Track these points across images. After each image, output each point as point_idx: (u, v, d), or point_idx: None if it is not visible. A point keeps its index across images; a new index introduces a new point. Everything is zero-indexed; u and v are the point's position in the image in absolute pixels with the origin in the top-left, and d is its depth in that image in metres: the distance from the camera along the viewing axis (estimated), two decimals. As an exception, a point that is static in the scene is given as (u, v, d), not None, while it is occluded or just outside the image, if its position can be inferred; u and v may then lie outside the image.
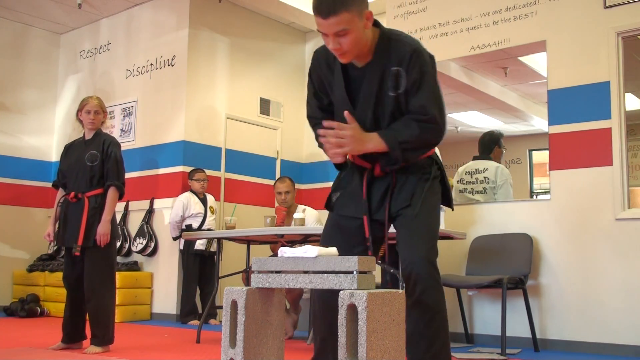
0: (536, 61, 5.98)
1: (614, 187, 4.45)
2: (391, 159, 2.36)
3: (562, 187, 4.69)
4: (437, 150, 2.63)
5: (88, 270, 4.13)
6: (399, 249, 2.38)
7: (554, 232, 4.66)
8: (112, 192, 4.26)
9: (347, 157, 2.48)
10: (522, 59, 6.03)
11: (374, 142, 2.33)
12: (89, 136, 4.38)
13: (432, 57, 2.38)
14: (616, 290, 4.36)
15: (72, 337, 4.22)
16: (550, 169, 4.77)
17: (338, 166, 2.53)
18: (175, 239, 6.60)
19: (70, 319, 4.21)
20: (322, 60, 2.49)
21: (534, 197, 5.94)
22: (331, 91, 2.48)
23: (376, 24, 2.37)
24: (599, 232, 4.48)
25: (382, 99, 2.36)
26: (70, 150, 4.45)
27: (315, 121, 2.57)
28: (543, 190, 5.68)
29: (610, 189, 4.47)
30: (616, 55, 4.58)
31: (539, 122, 5.13)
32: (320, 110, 2.57)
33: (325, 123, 2.35)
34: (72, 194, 4.24)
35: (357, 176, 2.49)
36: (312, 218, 5.46)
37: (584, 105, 4.66)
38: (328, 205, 2.56)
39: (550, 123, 4.80)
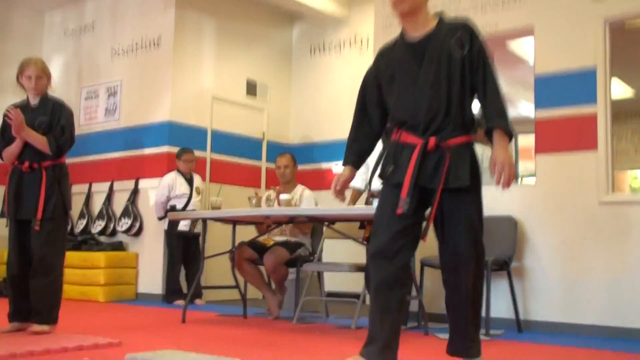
0: (524, 46, 6.00)
1: (598, 172, 4.50)
2: (447, 112, 2.58)
3: (547, 170, 4.73)
4: None
5: (39, 243, 3.88)
6: (446, 227, 2.58)
7: (538, 215, 4.71)
8: (44, 140, 3.96)
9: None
10: (509, 44, 6.04)
11: (501, 149, 2.56)
12: (34, 101, 4.09)
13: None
14: (599, 272, 4.41)
15: (24, 314, 3.94)
16: (535, 153, 4.81)
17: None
18: (160, 219, 6.59)
19: (22, 295, 3.91)
20: (379, 60, 2.80)
21: (520, 180, 5.98)
22: (393, 78, 2.69)
23: (440, 14, 2.70)
24: (583, 215, 4.53)
25: (451, 61, 2.58)
26: None
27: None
28: (528, 174, 5.72)
29: (594, 173, 4.51)
30: (603, 41, 4.60)
31: (525, 107, 5.15)
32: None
33: None
34: (27, 163, 3.97)
35: (407, 151, 2.61)
36: (310, 199, 5.46)
37: (570, 90, 4.69)
38: (383, 176, 2.71)
39: (537, 107, 4.83)
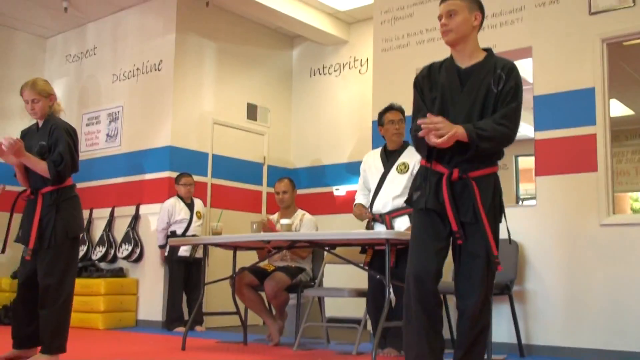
0: (522, 67, 6.00)
1: (598, 193, 4.46)
2: (469, 147, 2.71)
3: (547, 192, 4.70)
4: None
5: (41, 273, 3.76)
6: (463, 255, 2.80)
7: (539, 237, 4.67)
8: (45, 165, 3.78)
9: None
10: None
11: (459, 128, 2.68)
12: (40, 124, 4.00)
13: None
14: (601, 295, 4.36)
15: (24, 342, 3.85)
16: (536, 175, 4.78)
17: (425, 153, 2.89)
18: (161, 247, 6.55)
19: (22, 322, 3.84)
20: (424, 73, 3.00)
21: (520, 202, 5.94)
22: (436, 92, 2.91)
23: (489, 50, 2.96)
24: (584, 237, 4.49)
25: (488, 94, 2.81)
26: (26, 138, 3.99)
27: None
28: (529, 196, 5.69)
29: (595, 195, 4.48)
30: (601, 61, 4.59)
31: (525, 128, 5.14)
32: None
33: (419, 121, 2.74)
34: (29, 189, 3.87)
35: (434, 179, 2.83)
36: (310, 224, 5.43)
37: (569, 111, 4.67)
38: (410, 202, 2.94)
39: (536, 129, 4.81)
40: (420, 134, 2.71)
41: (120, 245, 7.03)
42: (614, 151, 4.68)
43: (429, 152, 2.83)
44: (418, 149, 2.93)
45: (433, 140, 2.68)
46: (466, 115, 2.78)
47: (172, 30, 7.15)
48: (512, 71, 2.82)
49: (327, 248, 4.79)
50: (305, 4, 7.50)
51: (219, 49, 7.60)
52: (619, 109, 6.95)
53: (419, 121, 2.73)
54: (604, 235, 4.41)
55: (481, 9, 2.95)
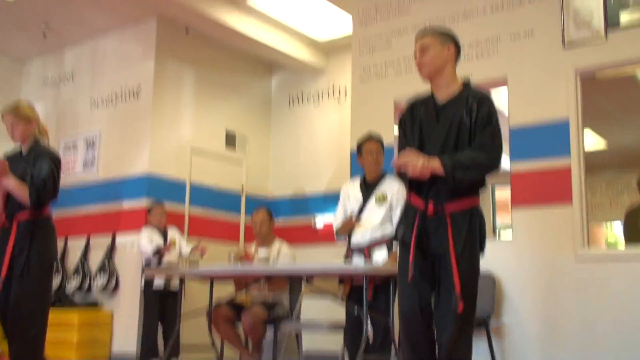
0: (498, 98, 6.05)
1: (573, 225, 4.48)
2: (446, 180, 2.77)
3: (523, 225, 4.71)
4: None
5: (12, 306, 3.66)
6: (442, 288, 2.83)
7: (516, 271, 4.67)
8: (25, 190, 3.72)
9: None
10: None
11: (434, 160, 2.76)
12: (25, 150, 3.93)
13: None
14: (577, 328, 4.37)
15: None
16: (512, 207, 4.79)
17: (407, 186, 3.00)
18: (154, 254, 6.28)
19: None
20: (407, 110, 3.11)
21: (497, 234, 5.96)
22: (415, 128, 3.01)
23: (466, 81, 3.05)
24: (560, 270, 4.50)
25: (461, 126, 2.87)
26: (9, 162, 3.88)
27: None
28: (506, 227, 5.70)
29: (570, 227, 4.49)
30: (575, 93, 4.64)
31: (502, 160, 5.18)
32: None
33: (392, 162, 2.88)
34: (3, 216, 3.78)
35: (412, 214, 2.92)
36: (288, 256, 5.38)
37: (544, 142, 4.71)
38: (396, 237, 3.06)
39: (512, 159, 4.83)
40: (395, 166, 2.82)
41: (96, 276, 6.91)
42: (588, 183, 4.71)
43: (409, 185, 2.94)
44: (403, 183, 3.05)
45: (410, 173, 2.77)
46: (441, 148, 2.84)
47: (152, 57, 7.12)
48: (484, 100, 2.89)
49: (304, 280, 4.74)
50: (285, 33, 7.52)
51: (198, 76, 7.58)
52: (593, 141, 7.01)
53: (392, 162, 2.85)
54: (579, 268, 4.42)
55: (455, 41, 3.04)
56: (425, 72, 3.02)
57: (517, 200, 4.77)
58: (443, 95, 3.00)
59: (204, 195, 7.40)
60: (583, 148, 4.60)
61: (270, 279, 4.96)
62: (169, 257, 6.36)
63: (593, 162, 6.39)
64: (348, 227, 4.57)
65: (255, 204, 7.10)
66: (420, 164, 2.75)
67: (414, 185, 2.90)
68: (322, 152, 7.80)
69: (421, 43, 3.02)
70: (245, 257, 5.16)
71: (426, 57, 2.99)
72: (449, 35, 3.07)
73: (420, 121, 2.99)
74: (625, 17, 4.51)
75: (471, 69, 5.09)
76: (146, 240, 6.24)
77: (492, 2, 5.12)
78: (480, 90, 3.00)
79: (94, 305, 6.86)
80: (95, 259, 7.03)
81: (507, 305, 4.65)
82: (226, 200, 7.68)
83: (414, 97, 3.15)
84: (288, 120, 8.27)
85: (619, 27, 4.52)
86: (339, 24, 7.16)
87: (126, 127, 7.21)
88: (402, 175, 2.91)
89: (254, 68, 8.26)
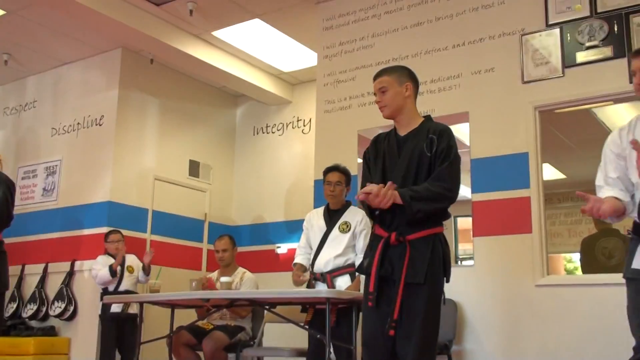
0: (460, 131, 6.20)
1: (533, 254, 4.59)
2: (406, 212, 2.82)
3: (484, 253, 4.81)
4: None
5: None
6: (404, 318, 2.85)
7: (477, 297, 4.75)
8: None
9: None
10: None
11: (394, 193, 2.82)
12: None
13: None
14: (537, 353, 4.44)
15: None
16: (473, 236, 4.89)
17: (372, 215, 3.06)
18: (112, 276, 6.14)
19: None
20: (371, 144, 3.20)
21: (459, 262, 6.06)
22: (379, 161, 3.09)
23: (427, 116, 3.15)
24: (520, 297, 4.59)
25: (421, 158, 2.95)
26: None
27: None
28: (468, 256, 5.80)
29: (530, 256, 4.60)
30: (534, 127, 4.79)
31: (464, 190, 5.29)
32: None
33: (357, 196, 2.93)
34: None
35: (377, 244, 2.97)
36: (251, 282, 5.37)
37: (505, 174, 4.83)
38: (360, 270, 3.10)
39: (473, 191, 4.95)
40: (358, 198, 2.90)
41: (53, 303, 6.77)
42: (548, 213, 4.85)
43: (371, 217, 3.02)
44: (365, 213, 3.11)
45: (372, 203, 2.84)
46: (402, 180, 2.92)
47: (115, 86, 7.13)
48: (444, 133, 2.97)
49: (267, 307, 4.74)
50: (250, 65, 7.61)
51: (163, 105, 7.60)
52: (552, 173, 7.22)
53: (357, 196, 2.93)
54: (539, 295, 4.53)
55: (412, 77, 3.14)
56: (387, 112, 3.11)
57: (479, 228, 4.87)
58: (405, 129, 3.09)
59: (166, 223, 7.36)
60: (542, 180, 4.74)
61: (233, 307, 4.94)
62: (128, 284, 6.26)
63: (552, 193, 6.59)
64: (298, 281, 4.68)
65: (218, 231, 7.08)
66: (382, 194, 2.81)
67: (378, 217, 2.98)
68: (286, 182, 7.85)
69: (379, 84, 3.12)
70: (209, 286, 5.13)
71: (386, 97, 3.08)
72: (406, 73, 3.16)
73: (383, 154, 3.08)
74: (580, 56, 4.71)
75: (434, 103, 5.25)
76: (99, 265, 6.17)
77: (454, 39, 5.28)
78: (440, 123, 3.10)
79: (51, 332, 6.70)
80: (53, 287, 6.90)
81: (469, 331, 4.72)
82: (189, 228, 7.65)
83: (379, 133, 3.24)
84: (252, 150, 8.32)
85: (575, 65, 4.72)
86: (304, 57, 7.29)
87: (88, 155, 7.17)
88: (365, 206, 2.97)
89: (218, 98, 8.32)
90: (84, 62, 7.48)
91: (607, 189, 2.77)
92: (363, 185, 3.09)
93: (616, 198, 2.70)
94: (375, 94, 3.15)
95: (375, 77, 3.17)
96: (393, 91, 3.07)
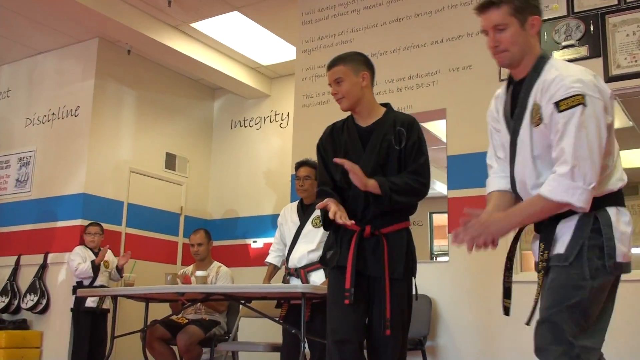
0: (437, 128, 6.23)
1: (507, 249, 4.61)
2: (382, 201, 2.76)
3: (460, 249, 4.80)
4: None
5: None
6: (375, 310, 2.82)
7: (452, 293, 4.77)
8: None
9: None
10: (424, 124, 6.26)
11: (372, 182, 2.75)
12: None
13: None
14: (509, 350, 4.48)
15: None
16: (449, 232, 4.91)
17: (326, 226, 2.93)
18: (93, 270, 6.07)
19: None
20: (327, 135, 3.04)
21: (434, 258, 6.10)
22: (339, 154, 2.90)
23: (387, 105, 3.02)
24: (494, 294, 4.57)
25: (390, 151, 2.86)
26: None
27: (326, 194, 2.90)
28: (443, 252, 5.83)
29: (504, 253, 4.62)
30: (510, 125, 4.82)
31: (439, 186, 5.32)
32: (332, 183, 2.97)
33: (338, 160, 2.77)
34: None
35: (347, 237, 2.85)
36: (226, 276, 5.36)
37: (481, 171, 4.83)
38: (323, 261, 2.98)
39: (449, 187, 4.97)
40: (318, 207, 2.82)
41: (25, 296, 6.69)
42: (522, 210, 4.87)
43: (326, 227, 2.93)
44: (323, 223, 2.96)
45: (355, 183, 2.75)
46: (370, 174, 2.81)
47: (92, 76, 7.04)
48: (413, 125, 2.90)
49: (242, 301, 4.73)
50: (228, 58, 7.56)
51: (139, 97, 7.52)
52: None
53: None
54: (513, 292, 4.55)
55: (368, 65, 2.96)
56: (345, 105, 2.92)
57: (455, 224, 4.87)
58: (366, 120, 2.95)
59: (141, 216, 7.30)
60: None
61: (209, 301, 4.91)
62: (103, 279, 6.21)
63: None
64: (270, 275, 4.79)
65: (194, 225, 7.04)
66: (362, 177, 2.73)
67: (349, 212, 2.81)
68: (263, 176, 7.82)
69: (334, 74, 2.91)
70: (185, 280, 5.10)
71: (342, 88, 2.89)
72: (362, 60, 2.98)
73: (345, 146, 2.94)
74: (557, 55, 4.74)
75: (411, 99, 5.26)
76: (79, 258, 6.07)
77: (432, 36, 5.29)
78: (404, 113, 3.02)
79: (23, 325, 6.62)
80: (26, 279, 6.81)
81: (443, 327, 4.74)
82: (164, 221, 7.59)
83: (333, 123, 3.08)
84: (229, 143, 8.28)
85: (551, 63, 4.74)
86: (283, 50, 7.26)
87: (63, 146, 7.08)
88: (322, 214, 2.87)
89: (196, 91, 8.26)
90: (59, 52, 7.37)
91: (493, 177, 2.52)
92: (321, 179, 2.98)
93: (503, 192, 2.45)
94: (330, 84, 2.94)
95: (330, 67, 2.93)
96: (349, 82, 2.88)
